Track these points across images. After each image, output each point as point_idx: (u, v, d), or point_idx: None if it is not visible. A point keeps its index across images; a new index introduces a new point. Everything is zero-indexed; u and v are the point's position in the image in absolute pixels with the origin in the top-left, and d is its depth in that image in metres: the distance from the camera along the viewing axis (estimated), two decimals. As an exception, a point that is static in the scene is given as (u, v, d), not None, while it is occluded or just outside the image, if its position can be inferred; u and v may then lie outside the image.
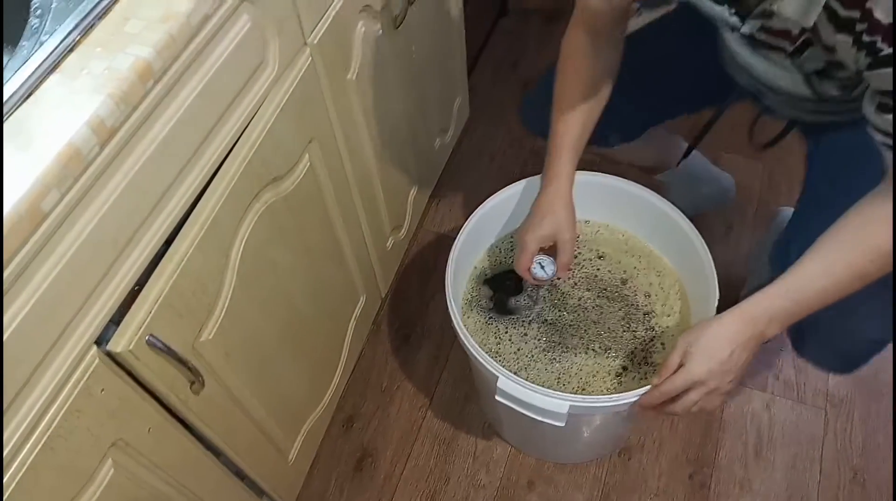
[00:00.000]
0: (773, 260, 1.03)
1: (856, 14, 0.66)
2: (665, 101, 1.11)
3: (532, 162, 1.62)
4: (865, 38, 0.66)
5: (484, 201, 1.12)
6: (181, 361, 0.69)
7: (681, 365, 0.80)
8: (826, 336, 0.92)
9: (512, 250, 1.18)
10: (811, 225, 0.80)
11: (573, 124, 0.99)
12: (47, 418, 0.59)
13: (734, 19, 0.76)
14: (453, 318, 0.99)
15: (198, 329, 0.73)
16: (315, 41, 0.84)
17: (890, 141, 0.71)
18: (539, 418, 0.93)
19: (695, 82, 1.08)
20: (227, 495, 0.92)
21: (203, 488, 0.84)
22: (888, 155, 0.73)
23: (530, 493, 1.22)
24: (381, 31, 1.00)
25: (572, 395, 0.91)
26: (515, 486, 1.22)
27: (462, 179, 1.61)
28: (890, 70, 0.65)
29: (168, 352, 0.67)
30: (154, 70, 0.60)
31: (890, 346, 0.92)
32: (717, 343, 0.79)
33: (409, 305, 1.43)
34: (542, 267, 1.04)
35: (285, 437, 1.05)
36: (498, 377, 0.93)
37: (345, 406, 1.31)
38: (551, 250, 1.04)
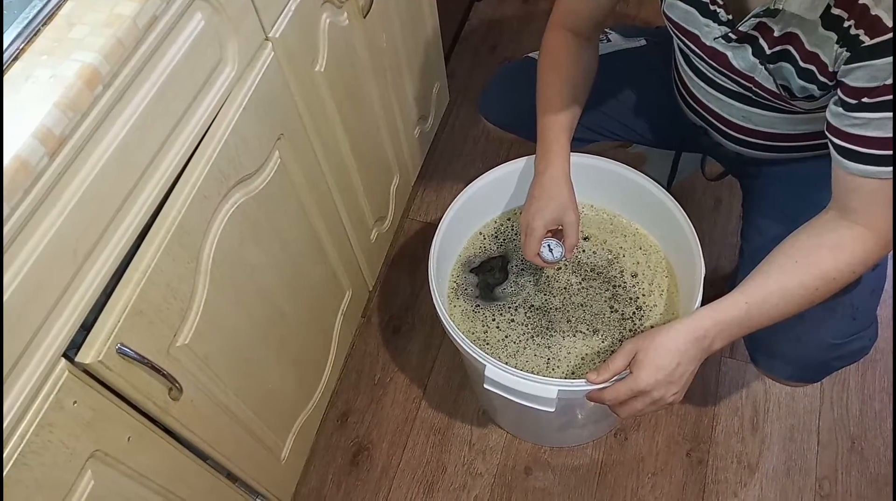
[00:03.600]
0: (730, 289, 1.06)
1: (846, 9, 0.69)
2: (615, 125, 1.15)
3: (517, 145, 1.60)
4: (852, 31, 0.69)
5: (467, 186, 1.11)
6: (155, 368, 0.68)
7: (628, 370, 0.83)
8: (776, 345, 0.93)
9: (497, 236, 1.17)
10: (758, 259, 0.83)
11: (562, 113, 1.00)
12: (18, 433, 0.58)
13: (723, 26, 0.81)
14: (438, 308, 0.98)
15: (172, 335, 0.73)
16: (277, 35, 0.82)
17: (850, 145, 0.73)
18: (529, 404, 0.93)
19: (649, 116, 1.14)
20: (218, 498, 0.91)
21: (192, 493, 0.84)
22: (841, 172, 0.76)
23: (528, 479, 1.21)
24: (347, 21, 0.98)
25: (560, 380, 0.90)
26: (513, 472, 1.22)
27: (446, 166, 1.59)
28: (871, 62, 0.68)
29: (141, 361, 0.66)
30: (102, 75, 0.58)
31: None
32: (665, 355, 0.80)
33: (399, 295, 1.43)
34: (551, 250, 1.03)
35: (276, 436, 1.04)
36: (486, 365, 0.93)
37: (338, 401, 1.30)
38: (556, 233, 1.04)
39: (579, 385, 0.89)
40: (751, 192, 1.07)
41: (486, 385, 0.94)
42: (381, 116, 1.20)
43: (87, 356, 0.62)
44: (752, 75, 0.85)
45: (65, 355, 0.61)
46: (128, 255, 0.67)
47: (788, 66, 0.79)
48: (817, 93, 0.79)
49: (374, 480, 1.23)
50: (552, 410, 0.92)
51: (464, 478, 1.22)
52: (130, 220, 0.66)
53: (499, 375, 0.92)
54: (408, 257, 1.47)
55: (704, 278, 0.97)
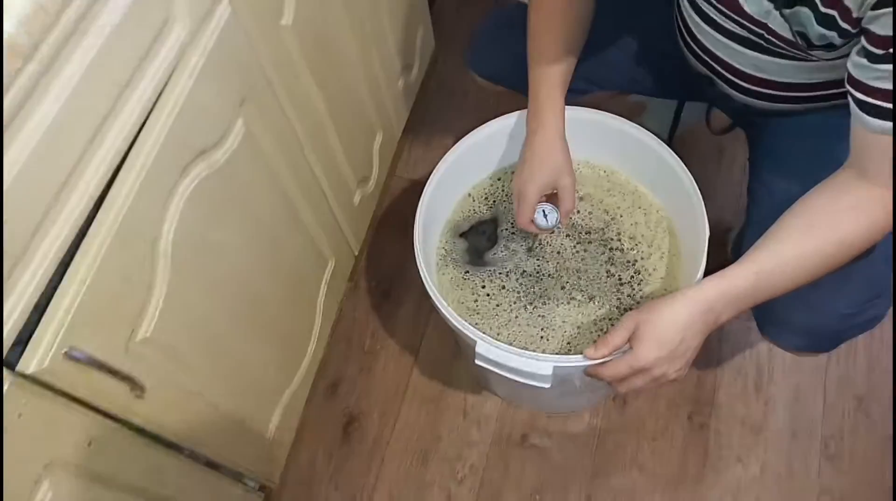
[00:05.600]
0: (734, 254, 0.99)
1: None
2: (613, 75, 1.07)
3: (508, 94, 1.51)
4: None
5: (457, 141, 1.03)
6: (112, 371, 0.62)
7: (628, 345, 0.77)
8: (788, 314, 0.87)
9: (486, 198, 1.10)
10: (769, 222, 0.77)
11: (555, 65, 0.92)
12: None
13: None
14: (425, 281, 0.92)
15: (130, 330, 0.66)
16: (234, -13, 0.73)
17: (873, 99, 0.66)
18: (522, 380, 0.88)
19: (650, 64, 1.05)
20: (199, 488, 0.87)
21: (171, 487, 0.80)
22: (861, 129, 0.68)
23: (524, 446, 1.18)
24: (316, -34, 0.89)
25: (555, 356, 0.85)
26: (509, 441, 1.18)
27: (434, 119, 1.51)
28: None
29: (93, 364, 0.60)
30: (21, 46, 0.50)
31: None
32: (667, 329, 0.74)
33: (388, 258, 1.36)
34: (545, 216, 0.97)
35: (261, 415, 1.00)
36: (476, 341, 0.87)
37: (327, 371, 1.26)
38: (550, 198, 0.96)
39: (576, 361, 0.83)
40: (759, 145, 1.00)
41: (476, 361, 0.89)
42: (360, 69, 1.11)
43: (29, 364, 0.56)
44: (764, 21, 0.76)
45: (5, 364, 0.55)
46: (73, 246, 0.60)
47: (806, 10, 0.71)
48: (838, 41, 0.71)
49: (367, 451, 1.19)
50: (548, 386, 0.87)
51: (459, 448, 1.19)
52: (72, 207, 0.59)
53: (490, 351, 0.87)
54: (396, 217, 1.40)
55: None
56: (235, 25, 0.75)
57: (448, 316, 0.89)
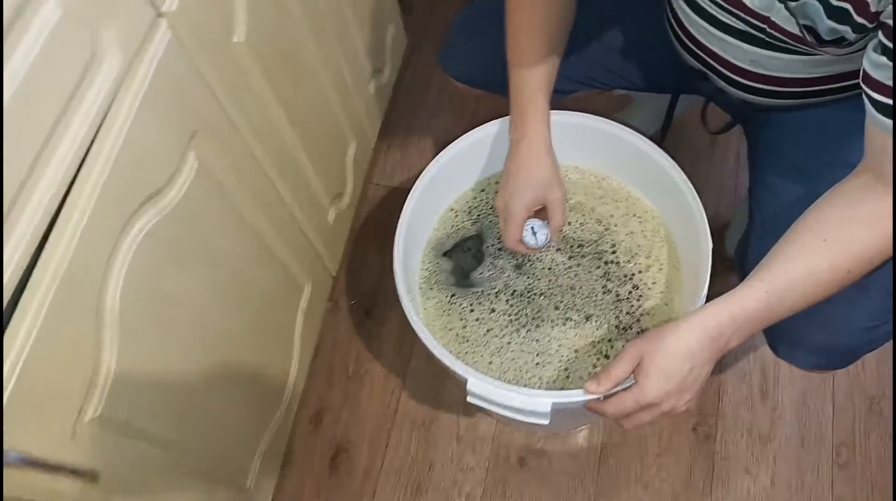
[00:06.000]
0: (738, 262, 0.92)
1: None
2: (599, 72, 0.99)
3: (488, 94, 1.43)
4: None
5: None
6: (56, 468, 0.54)
7: (633, 379, 0.70)
8: (801, 333, 0.80)
9: (470, 211, 1.02)
10: (775, 228, 0.70)
11: (537, 67, 0.85)
12: None
13: None
14: (408, 314, 0.85)
15: (76, 413, 0.58)
16: (173, 8, 0.64)
17: (892, 100, 0.59)
18: (520, 418, 0.81)
19: (638, 59, 0.97)
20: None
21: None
22: (878, 131, 0.61)
23: (522, 470, 1.12)
24: (268, -26, 0.80)
25: (554, 392, 0.78)
26: (506, 464, 1.12)
27: (410, 119, 1.42)
28: None
29: (33, 465, 0.52)
30: None
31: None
32: (674, 360, 0.67)
33: (368, 273, 1.28)
34: (535, 233, 0.90)
35: (238, 464, 0.92)
36: (466, 379, 0.80)
37: (309, 401, 1.18)
38: (538, 212, 0.89)
39: (576, 396, 0.77)
40: (759, 143, 0.93)
41: (469, 399, 0.82)
42: (327, 78, 1.02)
43: (-49, 475, 0.48)
44: (766, 14, 0.69)
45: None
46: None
47: (815, 3, 0.64)
48: (851, 36, 0.64)
49: (357, 484, 1.13)
50: (546, 422, 0.80)
51: (453, 475, 1.12)
52: (-5, 283, 0.51)
53: (483, 388, 0.80)
54: (374, 227, 1.32)
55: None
56: (178, 51, 0.66)
57: (435, 353, 0.82)
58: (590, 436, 1.13)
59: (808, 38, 0.68)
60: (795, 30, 0.68)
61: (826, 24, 0.64)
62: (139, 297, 0.65)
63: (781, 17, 0.68)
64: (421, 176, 0.94)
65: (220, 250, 0.79)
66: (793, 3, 0.66)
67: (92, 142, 0.58)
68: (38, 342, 0.53)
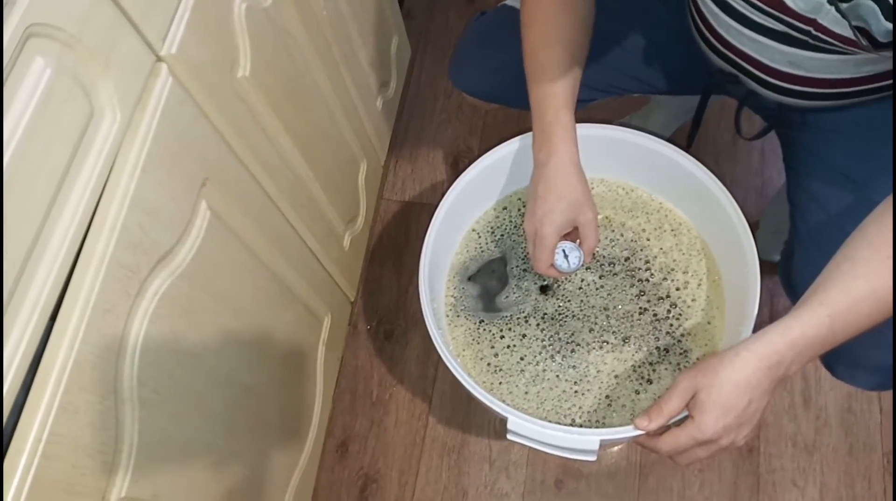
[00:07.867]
0: (783, 275, 0.87)
1: None
2: (622, 79, 0.94)
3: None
4: None
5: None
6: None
7: (687, 414, 0.65)
8: (862, 353, 0.76)
9: (493, 231, 0.97)
10: (823, 240, 0.67)
11: (559, 81, 0.79)
12: None
13: None
14: (438, 346, 0.80)
15: (101, 497, 0.54)
16: (173, 51, 0.59)
17: None
18: (565, 455, 0.77)
19: (663, 63, 0.92)
20: None
21: None
22: None
23: (560, 494, 1.08)
24: (269, 0, 0.75)
25: (602, 429, 0.74)
26: (542, 488, 1.08)
27: (418, 130, 1.37)
28: None
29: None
30: None
31: None
32: (732, 393, 0.62)
33: (385, 293, 1.24)
34: (566, 257, 0.85)
35: (268, 511, 0.88)
36: (508, 417, 0.76)
37: (335, 430, 1.14)
38: (569, 235, 0.85)
39: (626, 432, 0.72)
40: (796, 146, 0.87)
41: (510, 437, 0.78)
42: (334, 100, 0.97)
43: None
44: (813, 17, 0.64)
45: None
46: (8, 427, 0.48)
47: (870, 3, 0.58)
48: None
49: (389, 517, 1.09)
50: (594, 459, 0.76)
51: (489, 502, 1.08)
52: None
53: (526, 428, 0.75)
54: (389, 244, 1.28)
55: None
56: (182, 96, 0.61)
57: (472, 391, 0.78)
58: (627, 453, 1.09)
59: (862, 41, 0.62)
60: (847, 32, 0.63)
61: (883, 26, 0.59)
62: (157, 366, 0.60)
63: (830, 20, 0.63)
64: (442, 200, 0.89)
65: (239, 300, 0.74)
66: (844, 5, 0.60)
67: (95, 210, 0.53)
68: (53, 437, 0.49)
